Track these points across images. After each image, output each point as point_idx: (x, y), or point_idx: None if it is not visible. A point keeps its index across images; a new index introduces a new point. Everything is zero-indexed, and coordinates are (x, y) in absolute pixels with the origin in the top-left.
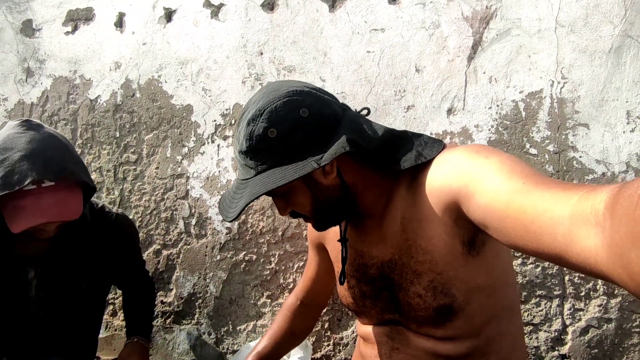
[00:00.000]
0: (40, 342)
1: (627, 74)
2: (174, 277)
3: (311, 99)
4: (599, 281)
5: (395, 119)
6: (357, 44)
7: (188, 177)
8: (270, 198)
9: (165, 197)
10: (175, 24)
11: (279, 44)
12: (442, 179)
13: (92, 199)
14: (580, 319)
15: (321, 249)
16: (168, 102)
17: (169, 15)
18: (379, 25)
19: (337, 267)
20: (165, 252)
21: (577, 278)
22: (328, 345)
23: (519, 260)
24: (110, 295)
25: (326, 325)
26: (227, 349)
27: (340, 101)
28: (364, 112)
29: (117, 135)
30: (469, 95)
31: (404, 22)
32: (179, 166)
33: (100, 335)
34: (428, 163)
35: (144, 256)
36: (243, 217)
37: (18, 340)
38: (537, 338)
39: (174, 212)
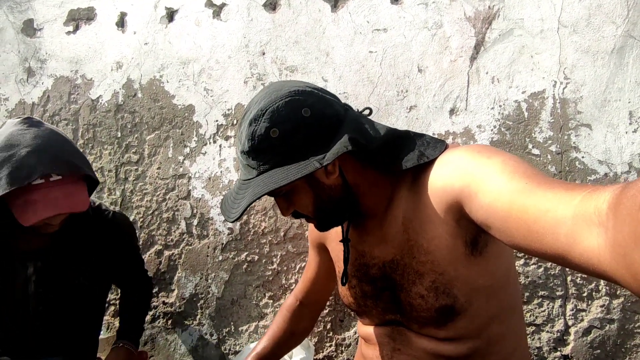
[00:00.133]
0: (40, 340)
1: (630, 74)
2: (175, 278)
3: (313, 98)
4: (602, 282)
5: (397, 119)
6: (359, 44)
7: (190, 178)
8: (272, 198)
9: (167, 197)
10: (177, 23)
11: (281, 44)
12: (444, 179)
13: (90, 197)
14: (582, 320)
15: (322, 249)
16: (170, 102)
17: (170, 15)
18: (381, 25)
19: (339, 267)
20: (167, 253)
21: (579, 279)
22: (330, 346)
23: (522, 261)
24: (111, 296)
25: (328, 326)
26: (229, 349)
27: (343, 101)
28: (366, 112)
29: (119, 135)
30: (472, 96)
31: (406, 22)
32: (181, 166)
33: (102, 336)
34: (430, 163)
35: (146, 257)
36: (245, 217)
37: (18, 338)
38: (539, 339)
39: (176, 213)
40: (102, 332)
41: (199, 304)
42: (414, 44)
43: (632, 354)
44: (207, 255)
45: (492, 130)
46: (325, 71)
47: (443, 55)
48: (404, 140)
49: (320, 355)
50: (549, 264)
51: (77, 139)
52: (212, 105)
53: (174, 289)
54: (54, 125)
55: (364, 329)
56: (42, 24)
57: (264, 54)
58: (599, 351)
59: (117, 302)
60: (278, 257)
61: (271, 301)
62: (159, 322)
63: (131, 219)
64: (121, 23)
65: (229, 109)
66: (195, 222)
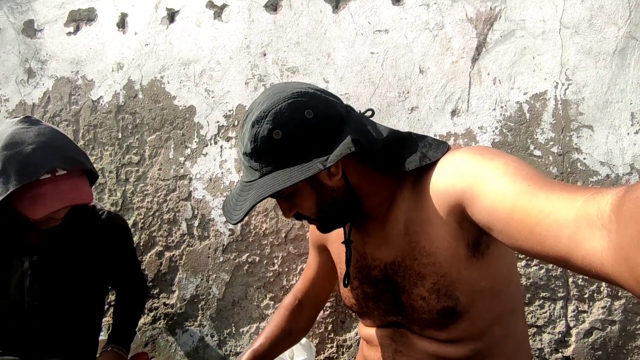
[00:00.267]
0: (38, 339)
1: (632, 75)
2: (176, 279)
3: (316, 100)
4: (603, 283)
5: (399, 120)
6: (360, 45)
7: (191, 179)
8: (274, 200)
9: (168, 198)
10: (178, 24)
11: (282, 45)
12: (446, 180)
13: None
14: (584, 321)
15: (322, 251)
16: (171, 103)
17: (171, 15)
18: (382, 26)
19: (341, 268)
20: (167, 254)
21: (580, 280)
22: (331, 347)
23: (523, 262)
24: (111, 297)
25: (329, 328)
26: (230, 351)
27: (344, 102)
28: (368, 113)
29: (120, 136)
30: (473, 97)
31: (407, 23)
32: (182, 167)
33: (103, 337)
34: (432, 165)
35: (147, 258)
36: (246, 218)
37: (16, 336)
38: (540, 340)
39: (177, 214)
40: (102, 334)
41: (199, 305)
42: (416, 45)
43: (633, 355)
44: (208, 257)
45: (493, 131)
46: (327, 72)
47: (444, 56)
48: (406, 142)
49: (322, 357)
50: (550, 266)
51: (77, 140)
52: (213, 106)
53: (174, 290)
54: (55, 126)
55: (366, 330)
56: (42, 24)
57: (265, 55)
58: (600, 352)
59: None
60: (279, 258)
61: (272, 302)
62: (159, 323)
63: (132, 220)
64: (122, 24)
65: (230, 110)
66: (196, 223)
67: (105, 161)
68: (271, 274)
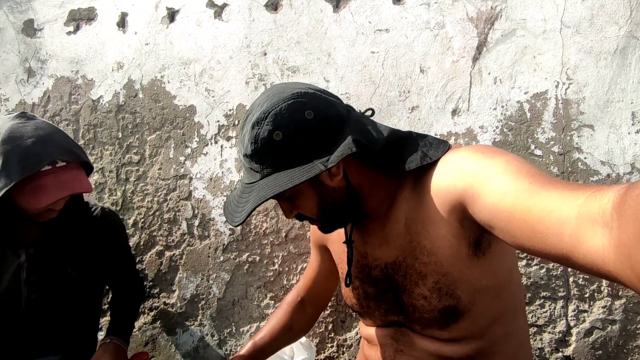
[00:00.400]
0: (36, 335)
1: (633, 75)
2: (176, 279)
3: (316, 100)
4: (603, 282)
5: (399, 119)
6: (361, 44)
7: (191, 178)
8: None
9: (168, 198)
10: (178, 24)
11: (282, 44)
12: (447, 179)
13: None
14: (584, 321)
15: (323, 251)
16: (171, 103)
17: (172, 15)
18: (383, 25)
19: (342, 268)
20: (168, 254)
21: (581, 279)
22: (332, 346)
23: (524, 262)
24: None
25: (330, 327)
26: (230, 350)
27: (345, 102)
28: (368, 112)
29: (120, 135)
30: (474, 96)
31: (408, 22)
32: (182, 167)
33: (102, 337)
34: (433, 164)
35: (147, 257)
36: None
37: (14, 333)
38: (541, 339)
39: (177, 213)
40: (102, 333)
41: (200, 305)
42: (416, 44)
43: (634, 354)
44: (209, 256)
45: (494, 130)
46: (327, 72)
47: (445, 55)
48: (407, 141)
49: (322, 356)
50: (551, 265)
51: (77, 139)
52: (213, 106)
53: (175, 290)
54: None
55: (366, 330)
56: (42, 24)
57: (265, 54)
58: (600, 352)
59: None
60: (279, 257)
61: (272, 302)
62: (160, 323)
63: (132, 219)
64: (122, 23)
65: (230, 110)
66: (196, 222)
67: (106, 160)
68: (271, 273)
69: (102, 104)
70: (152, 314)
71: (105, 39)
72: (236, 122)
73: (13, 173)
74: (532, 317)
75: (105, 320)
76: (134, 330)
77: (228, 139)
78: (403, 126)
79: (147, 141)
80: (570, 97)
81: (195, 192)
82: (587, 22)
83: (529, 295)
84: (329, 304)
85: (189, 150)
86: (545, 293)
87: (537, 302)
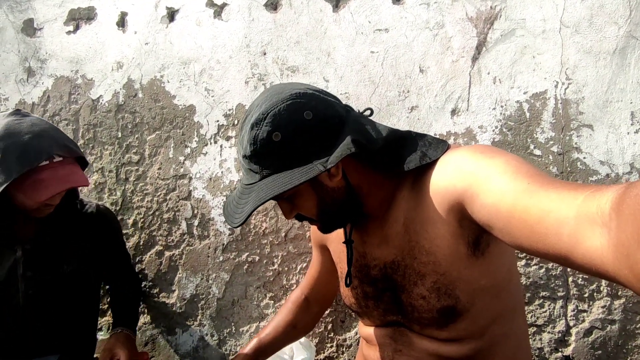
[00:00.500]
0: (35, 333)
1: (632, 75)
2: (176, 279)
3: (315, 101)
4: (603, 282)
5: (399, 119)
6: (360, 44)
7: (191, 178)
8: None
9: (168, 197)
10: (177, 23)
11: (282, 44)
12: (446, 179)
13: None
14: (583, 321)
15: (324, 250)
16: (170, 103)
17: (171, 14)
18: (382, 25)
19: (341, 268)
20: (167, 254)
21: (580, 279)
22: (331, 346)
23: (523, 262)
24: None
25: (329, 327)
26: (230, 350)
27: (344, 102)
28: (367, 112)
29: (119, 135)
30: (473, 96)
31: (408, 22)
32: (182, 167)
33: (102, 337)
34: (432, 163)
35: (146, 257)
36: None
37: (13, 330)
38: (540, 339)
39: (177, 213)
40: (102, 333)
41: (199, 305)
42: (416, 44)
43: (633, 354)
44: (208, 256)
45: (493, 130)
46: (327, 71)
47: (445, 55)
48: (406, 141)
49: (321, 356)
50: (550, 265)
51: (77, 139)
52: (213, 106)
53: (174, 290)
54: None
55: (365, 329)
56: (42, 23)
57: (265, 54)
58: (600, 352)
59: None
60: (279, 257)
61: (272, 302)
62: (159, 323)
63: (132, 219)
64: (122, 23)
65: (230, 109)
66: (196, 222)
67: (105, 160)
68: (271, 273)
69: (101, 103)
70: (151, 313)
71: (104, 39)
72: (236, 122)
73: (12, 169)
74: (531, 317)
75: (105, 321)
76: None
77: (227, 138)
78: (402, 126)
79: (146, 141)
80: (570, 97)
81: (195, 192)
82: (586, 22)
83: (528, 295)
84: None
85: (188, 150)
86: (544, 293)
87: (537, 302)
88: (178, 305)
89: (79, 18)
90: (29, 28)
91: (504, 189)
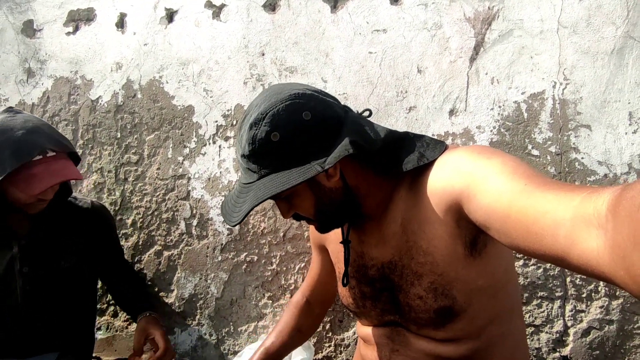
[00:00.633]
0: (34, 330)
1: (630, 75)
2: (175, 278)
3: (313, 101)
4: (601, 283)
5: (397, 120)
6: (359, 44)
7: (189, 178)
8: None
9: (167, 198)
10: (176, 24)
11: (280, 44)
12: (444, 180)
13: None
14: (581, 321)
15: (323, 250)
16: (169, 103)
17: (170, 15)
18: (381, 26)
19: (339, 268)
20: (166, 253)
21: (578, 279)
22: (329, 346)
23: (521, 262)
24: (109, 297)
25: (327, 327)
26: (229, 350)
27: (342, 102)
28: (366, 113)
29: (118, 136)
30: (471, 97)
31: (406, 23)
32: (180, 167)
33: (101, 336)
34: (430, 164)
35: (145, 257)
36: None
37: (11, 328)
38: (538, 339)
39: (175, 213)
40: (101, 332)
41: (198, 304)
42: (414, 44)
43: (631, 355)
44: (207, 256)
45: (491, 131)
46: (325, 72)
47: (442, 56)
48: (404, 142)
49: (320, 356)
50: (548, 265)
51: (76, 139)
52: (211, 106)
53: (173, 289)
54: (54, 126)
55: (363, 329)
56: (41, 24)
57: (263, 54)
58: (598, 352)
59: (112, 301)
60: (277, 257)
61: (270, 301)
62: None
63: (130, 219)
64: (121, 24)
65: (228, 110)
66: (194, 222)
67: (104, 161)
68: (269, 273)
69: (101, 104)
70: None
71: (104, 40)
72: (234, 122)
73: (6, 163)
74: (529, 317)
75: (104, 320)
76: (133, 330)
77: (226, 139)
78: (400, 126)
79: (145, 141)
80: (568, 97)
81: (194, 192)
82: (584, 22)
83: (526, 295)
84: None
85: (187, 151)
86: (542, 293)
87: (535, 302)
88: (177, 304)
89: (79, 19)
90: (29, 29)
91: (500, 190)
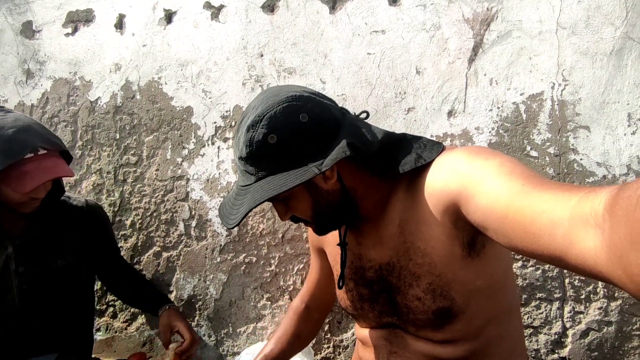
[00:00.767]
0: (32, 330)
1: (629, 76)
2: (174, 280)
3: (311, 103)
4: (599, 284)
5: (395, 121)
6: (357, 45)
7: (188, 179)
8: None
9: (165, 199)
10: (175, 25)
11: (279, 45)
12: (441, 181)
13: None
14: (580, 322)
15: (321, 253)
16: (168, 104)
17: (169, 16)
18: (379, 27)
19: (336, 270)
20: (165, 254)
21: (577, 281)
22: (328, 347)
23: (519, 263)
24: (110, 297)
25: (326, 328)
26: (227, 351)
27: (341, 103)
28: (363, 115)
29: (117, 137)
30: (470, 98)
31: (404, 23)
32: (179, 168)
33: (101, 337)
34: (427, 165)
35: (144, 258)
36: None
37: (9, 328)
38: (537, 341)
39: (174, 214)
40: (100, 333)
41: (197, 306)
42: (412, 45)
43: (629, 356)
44: (206, 257)
45: (490, 132)
46: (324, 73)
47: (441, 57)
48: (401, 144)
49: (318, 357)
50: (547, 266)
51: (75, 140)
52: (210, 107)
53: (172, 291)
54: (53, 128)
55: (361, 331)
56: (40, 25)
57: (262, 55)
58: (596, 353)
59: (117, 303)
60: (276, 258)
61: (269, 303)
62: (157, 324)
63: (129, 220)
64: (119, 25)
65: (227, 111)
66: (193, 223)
67: (103, 162)
68: (268, 274)
69: (99, 105)
70: (149, 314)
71: (103, 41)
72: (233, 124)
73: None
74: (527, 318)
75: (103, 321)
76: (132, 331)
77: (225, 140)
78: (399, 127)
79: (144, 142)
80: (566, 98)
81: (192, 193)
82: (583, 23)
83: (524, 296)
84: None
85: (186, 152)
86: (541, 294)
87: (533, 304)
88: (176, 306)
89: (77, 20)
90: (28, 30)
91: (498, 191)
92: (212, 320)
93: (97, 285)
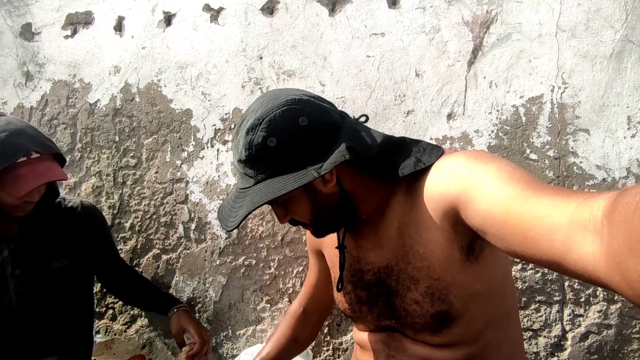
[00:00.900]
0: (30, 333)
1: (628, 79)
2: (173, 282)
3: (310, 107)
4: (599, 287)
5: (395, 123)
6: (357, 48)
7: (187, 182)
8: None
9: (165, 201)
10: (174, 28)
11: (278, 48)
12: (440, 185)
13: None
14: (580, 325)
15: (320, 256)
16: (167, 107)
17: (168, 19)
18: (379, 29)
19: (335, 273)
20: (164, 257)
21: (576, 284)
22: (327, 350)
23: (519, 266)
24: (109, 300)
25: (325, 330)
26: (227, 353)
27: (340, 106)
28: (362, 119)
29: (117, 139)
30: (469, 100)
31: (404, 26)
32: (179, 170)
33: (100, 340)
34: (426, 169)
35: (144, 261)
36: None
37: (8, 331)
38: (536, 344)
39: (174, 217)
40: (100, 336)
41: (196, 308)
42: (412, 48)
43: (629, 359)
44: (205, 260)
45: (489, 135)
46: (323, 75)
47: (441, 59)
48: (401, 147)
49: None
50: (546, 270)
51: (75, 143)
52: (209, 110)
53: (171, 293)
54: (52, 130)
55: (359, 334)
56: (40, 28)
57: (261, 58)
58: (596, 357)
59: (116, 305)
60: (275, 261)
61: (269, 305)
62: (156, 326)
63: (129, 223)
64: (119, 27)
65: (226, 113)
66: (193, 226)
67: (103, 164)
68: (267, 276)
69: (99, 107)
70: (148, 317)
71: (102, 43)
72: (232, 126)
73: None
74: (527, 321)
75: (102, 324)
76: (131, 333)
77: (224, 142)
78: (398, 130)
79: (143, 145)
80: (566, 101)
81: (192, 196)
82: (582, 26)
83: (524, 299)
84: None
85: (185, 154)
86: (540, 297)
87: (533, 307)
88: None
89: (77, 22)
90: (27, 32)
91: (497, 195)
92: (211, 323)
93: (97, 287)
